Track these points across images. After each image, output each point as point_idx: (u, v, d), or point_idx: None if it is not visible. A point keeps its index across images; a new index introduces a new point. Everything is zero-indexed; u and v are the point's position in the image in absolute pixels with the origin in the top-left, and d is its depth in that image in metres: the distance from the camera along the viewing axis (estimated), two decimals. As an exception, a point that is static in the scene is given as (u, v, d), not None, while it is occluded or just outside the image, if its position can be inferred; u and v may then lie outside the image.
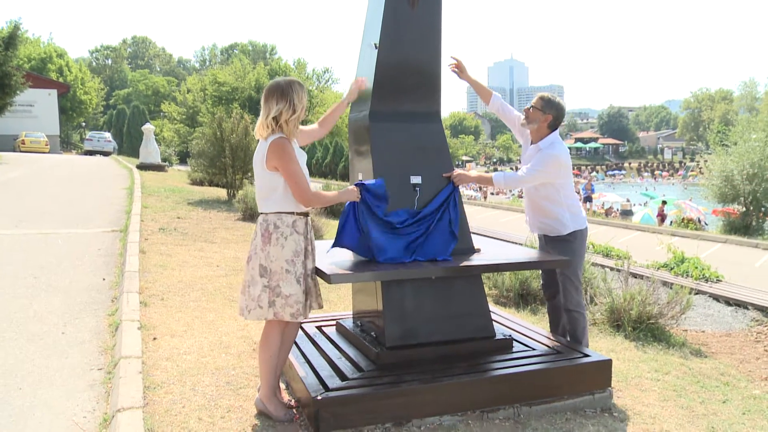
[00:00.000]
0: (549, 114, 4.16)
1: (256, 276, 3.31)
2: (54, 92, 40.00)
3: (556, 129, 4.23)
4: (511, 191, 33.75)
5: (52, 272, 6.66)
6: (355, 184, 3.67)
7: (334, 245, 3.72)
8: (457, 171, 4.03)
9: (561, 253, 4.19)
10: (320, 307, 3.51)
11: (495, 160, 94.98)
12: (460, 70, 4.35)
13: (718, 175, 17.00)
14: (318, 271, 3.46)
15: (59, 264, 7.06)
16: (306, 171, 3.38)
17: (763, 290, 7.58)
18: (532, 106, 4.22)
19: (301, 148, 3.51)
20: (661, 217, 21.07)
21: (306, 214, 3.41)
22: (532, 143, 4.30)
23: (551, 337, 4.30)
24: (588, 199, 23.56)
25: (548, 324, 4.73)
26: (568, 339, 4.31)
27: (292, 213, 3.33)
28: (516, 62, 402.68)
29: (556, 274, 4.37)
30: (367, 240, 3.67)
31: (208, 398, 3.62)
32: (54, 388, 3.79)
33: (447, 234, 3.87)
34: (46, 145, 33.64)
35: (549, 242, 4.35)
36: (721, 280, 7.99)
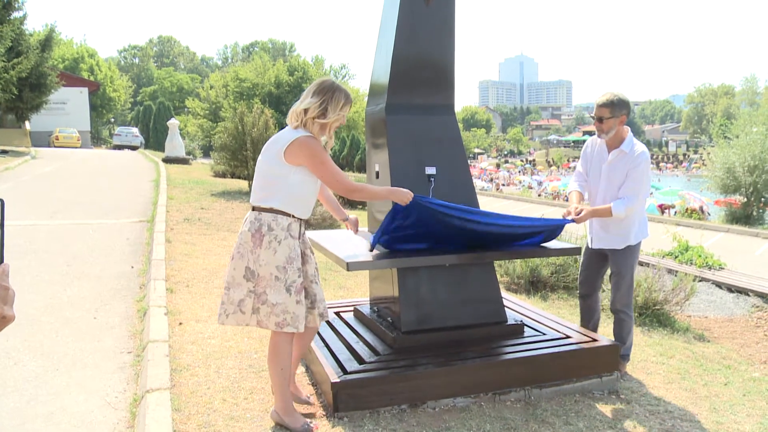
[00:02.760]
0: (623, 114, 3.93)
1: (239, 278, 3.05)
2: (85, 90, 40.73)
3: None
4: (500, 184, 32.77)
5: (84, 260, 6.89)
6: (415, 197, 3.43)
7: (378, 242, 3.56)
8: (580, 209, 3.83)
9: (623, 257, 4.06)
10: (323, 318, 3.26)
11: (506, 152, 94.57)
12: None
13: (720, 167, 17.41)
14: (337, 259, 3.55)
15: (91, 253, 7.29)
16: None
17: (763, 277, 7.65)
18: (601, 117, 3.93)
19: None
20: (661, 208, 21.15)
21: (302, 219, 3.15)
22: (610, 149, 4.02)
23: (561, 323, 4.35)
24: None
25: (558, 310, 4.77)
26: (616, 340, 4.17)
27: (290, 215, 3.05)
28: (526, 58, 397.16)
29: (599, 273, 4.26)
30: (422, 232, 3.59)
31: (231, 380, 3.74)
32: (87, 369, 3.96)
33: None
34: (78, 140, 34.30)
35: (614, 253, 4.12)
36: (723, 268, 8.06)
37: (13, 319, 1.10)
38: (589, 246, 4.27)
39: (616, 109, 3.90)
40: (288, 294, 3.00)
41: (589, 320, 4.42)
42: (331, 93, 3.06)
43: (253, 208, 3.11)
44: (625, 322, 4.16)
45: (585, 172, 4.26)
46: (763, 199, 17.00)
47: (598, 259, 4.26)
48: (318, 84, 3.11)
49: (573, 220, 3.84)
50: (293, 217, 3.06)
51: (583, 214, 3.85)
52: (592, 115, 4.04)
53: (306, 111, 3.05)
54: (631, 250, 4.06)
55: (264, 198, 3.07)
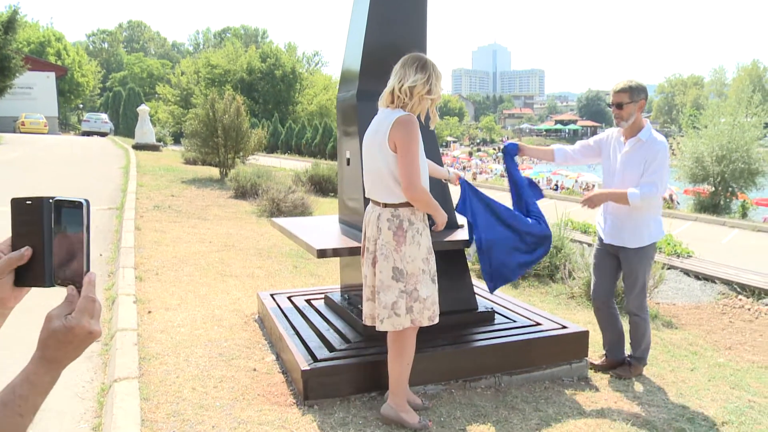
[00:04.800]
0: (641, 99, 3.74)
1: (387, 280, 2.92)
2: (52, 75, 39.76)
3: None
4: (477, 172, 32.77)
5: (49, 249, 6.75)
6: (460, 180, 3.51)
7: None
8: (588, 194, 3.72)
9: (636, 257, 3.83)
10: None
11: (478, 140, 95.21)
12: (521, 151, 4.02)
13: (689, 157, 17.79)
14: (307, 246, 3.52)
15: (57, 241, 7.15)
16: None
17: (729, 265, 7.77)
18: (620, 103, 3.73)
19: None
20: None
21: None
22: (627, 138, 3.80)
23: (531, 310, 4.39)
24: None
25: (528, 298, 4.77)
26: (631, 343, 4.00)
27: None
28: (499, 47, 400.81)
29: (613, 278, 4.03)
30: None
31: (201, 369, 3.71)
32: (53, 358, 3.90)
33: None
34: (45, 126, 33.51)
35: (626, 253, 3.87)
36: (691, 256, 8.18)
37: (100, 335, 0.96)
38: (602, 240, 4.00)
39: (635, 93, 3.71)
40: (434, 284, 3.01)
41: (613, 332, 4.05)
42: (432, 67, 2.94)
43: (385, 205, 2.96)
44: (639, 325, 3.92)
45: (597, 147, 4.02)
46: (730, 188, 17.40)
47: (610, 262, 3.98)
48: (417, 60, 2.94)
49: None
50: None
51: (595, 194, 3.70)
52: (610, 103, 3.83)
53: (412, 89, 2.90)
54: (645, 251, 3.83)
55: (392, 194, 2.93)
